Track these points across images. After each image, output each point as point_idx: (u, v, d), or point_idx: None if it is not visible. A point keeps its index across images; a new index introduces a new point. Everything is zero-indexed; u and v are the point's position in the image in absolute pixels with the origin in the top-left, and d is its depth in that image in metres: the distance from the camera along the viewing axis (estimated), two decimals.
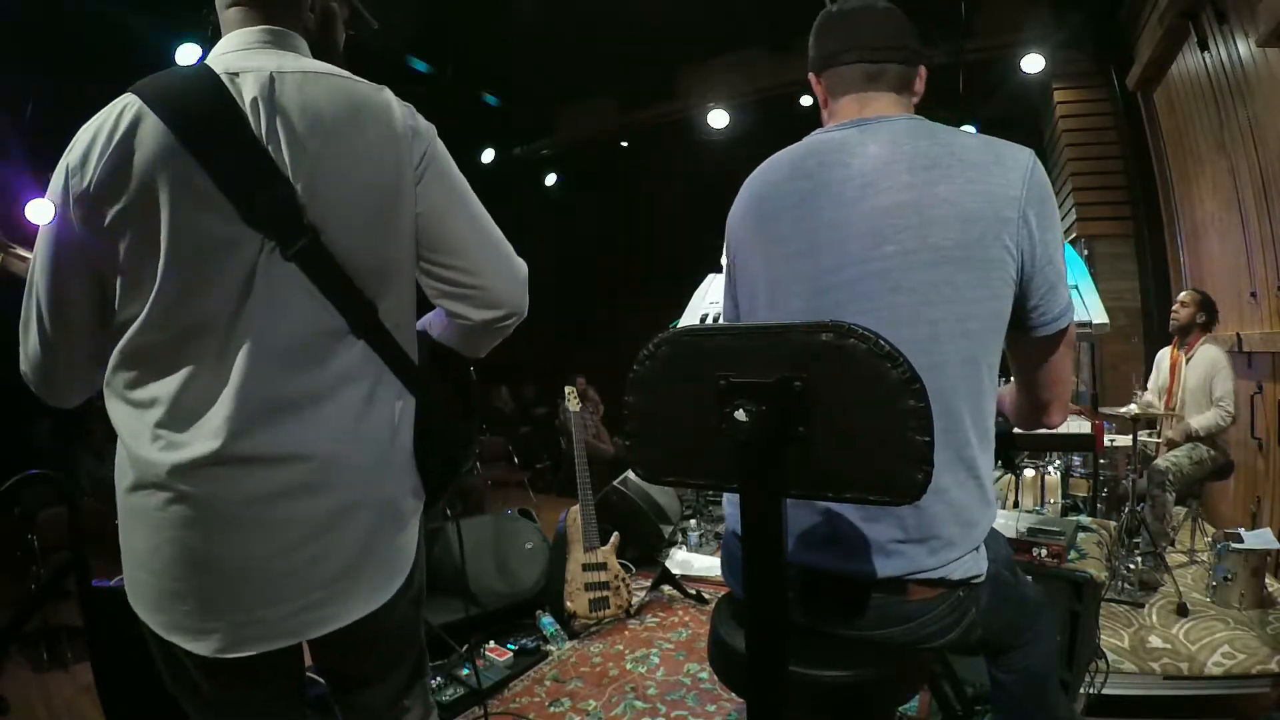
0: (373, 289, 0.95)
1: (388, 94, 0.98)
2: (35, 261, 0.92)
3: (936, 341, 0.95)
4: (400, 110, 0.97)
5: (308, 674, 1.10)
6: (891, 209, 0.97)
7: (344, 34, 1.09)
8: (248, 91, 0.88)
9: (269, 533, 0.90)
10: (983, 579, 1.03)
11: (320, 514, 0.92)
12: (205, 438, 0.87)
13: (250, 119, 0.88)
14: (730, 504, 1.14)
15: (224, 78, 0.89)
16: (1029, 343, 1.04)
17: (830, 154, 1.05)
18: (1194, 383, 3.41)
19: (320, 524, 0.92)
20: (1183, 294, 3.62)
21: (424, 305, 1.10)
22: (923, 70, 1.14)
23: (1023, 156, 0.99)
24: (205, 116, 0.87)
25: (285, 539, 0.90)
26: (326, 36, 1.05)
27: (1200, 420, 3.30)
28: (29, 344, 0.95)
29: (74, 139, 0.88)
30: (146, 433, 0.89)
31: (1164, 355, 3.74)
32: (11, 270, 1.20)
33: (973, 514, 1.00)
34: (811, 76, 1.17)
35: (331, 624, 0.94)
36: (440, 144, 1.01)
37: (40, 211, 0.91)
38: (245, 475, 0.88)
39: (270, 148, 0.88)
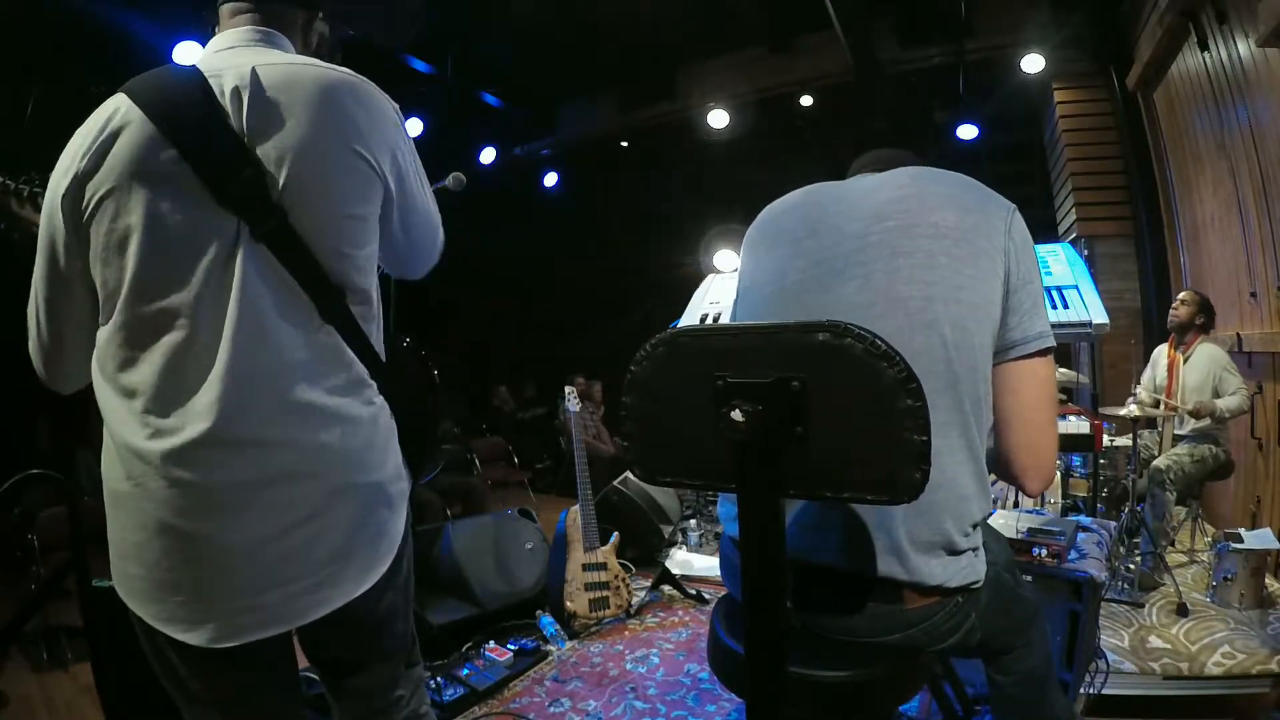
0: (338, 273, 0.97)
1: (358, 79, 1.01)
2: (38, 256, 0.96)
3: (930, 301, 0.98)
4: (364, 92, 1.00)
5: (304, 673, 1.10)
6: (892, 198, 1.06)
7: (328, 50, 1.13)
8: (227, 83, 0.93)
9: (262, 516, 0.91)
10: (981, 584, 1.03)
11: (311, 498, 0.94)
12: (194, 421, 0.89)
13: (228, 109, 0.92)
14: (726, 511, 1.14)
15: (206, 73, 0.93)
16: (1007, 370, 1.01)
17: (843, 183, 1.19)
18: (1194, 381, 3.39)
19: (312, 508, 0.94)
20: (1183, 293, 3.59)
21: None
22: None
23: (1006, 200, 1.07)
24: (184, 107, 0.91)
25: (278, 523, 0.92)
26: (317, 55, 1.09)
27: (1226, 402, 3.23)
28: (31, 329, 1.00)
29: (74, 137, 0.93)
30: (134, 420, 0.91)
31: (1160, 353, 3.73)
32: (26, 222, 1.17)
33: (964, 487, 0.98)
34: None
35: (323, 608, 0.96)
36: (401, 130, 1.04)
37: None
38: (236, 459, 0.90)
39: (244, 133, 0.92)
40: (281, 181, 0.92)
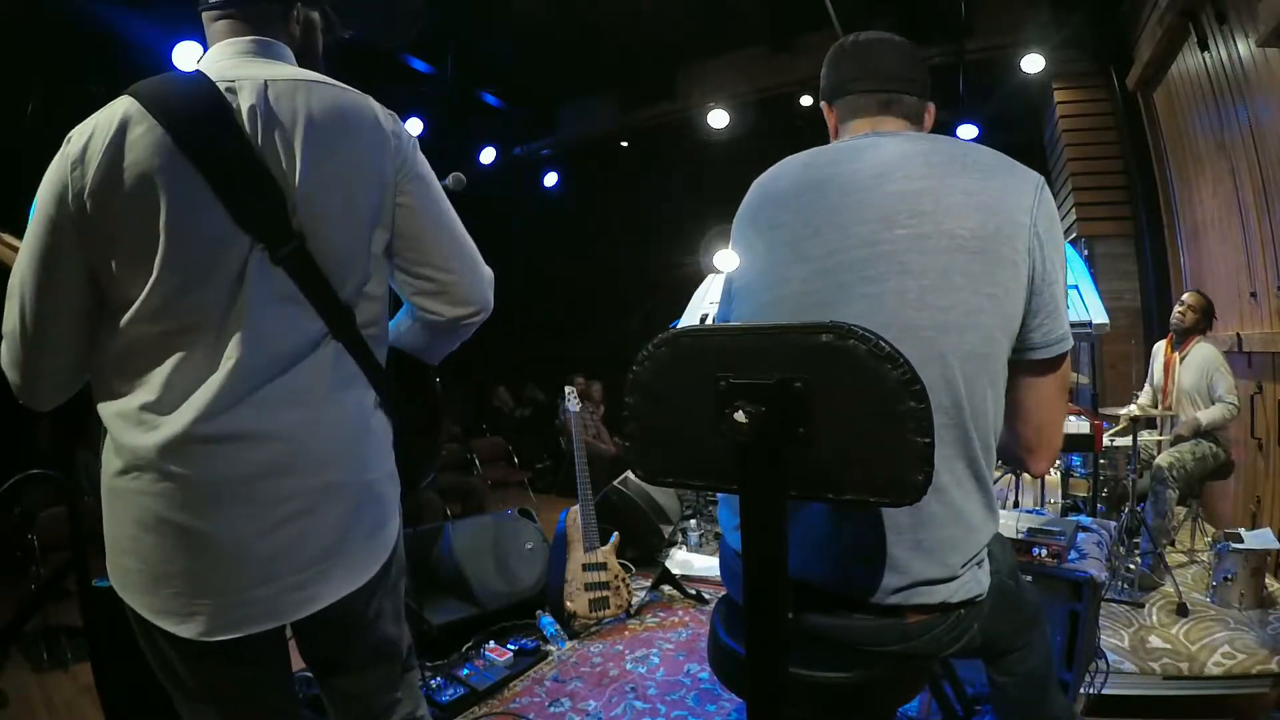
0: (350, 295, 0.99)
1: (373, 102, 1.02)
2: (24, 253, 0.92)
3: (943, 330, 0.92)
4: (384, 117, 1.01)
5: (302, 674, 1.10)
6: (905, 194, 0.96)
7: (322, 42, 1.12)
8: (244, 99, 0.92)
9: (253, 511, 0.92)
10: (985, 596, 1.01)
11: (303, 494, 0.94)
12: (186, 415, 0.89)
13: (246, 125, 0.91)
14: (726, 520, 1.13)
15: (219, 84, 0.92)
16: (1024, 368, 1.00)
17: (843, 153, 1.05)
18: (1189, 382, 3.40)
19: (303, 505, 0.94)
20: (1187, 295, 3.57)
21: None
22: (931, 107, 1.13)
23: (1034, 174, 0.98)
24: (201, 120, 0.90)
25: (269, 518, 0.93)
26: (308, 46, 1.09)
27: (1207, 414, 3.26)
28: (9, 331, 0.95)
29: (70, 135, 0.91)
30: (132, 416, 0.91)
31: (1159, 350, 3.73)
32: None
33: (973, 517, 0.97)
34: (824, 105, 1.17)
35: (314, 604, 0.96)
36: (420, 153, 1.05)
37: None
38: (227, 454, 0.90)
39: (263, 154, 0.91)
40: (301, 207, 0.93)
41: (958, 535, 0.96)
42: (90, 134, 0.89)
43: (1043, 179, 0.98)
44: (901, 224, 0.94)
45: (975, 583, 0.99)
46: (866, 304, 0.95)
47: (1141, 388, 3.88)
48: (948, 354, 0.92)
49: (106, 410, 0.94)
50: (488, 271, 1.13)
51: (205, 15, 1.01)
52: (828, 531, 0.99)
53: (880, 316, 0.92)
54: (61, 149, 0.90)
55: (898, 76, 1.09)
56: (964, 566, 0.97)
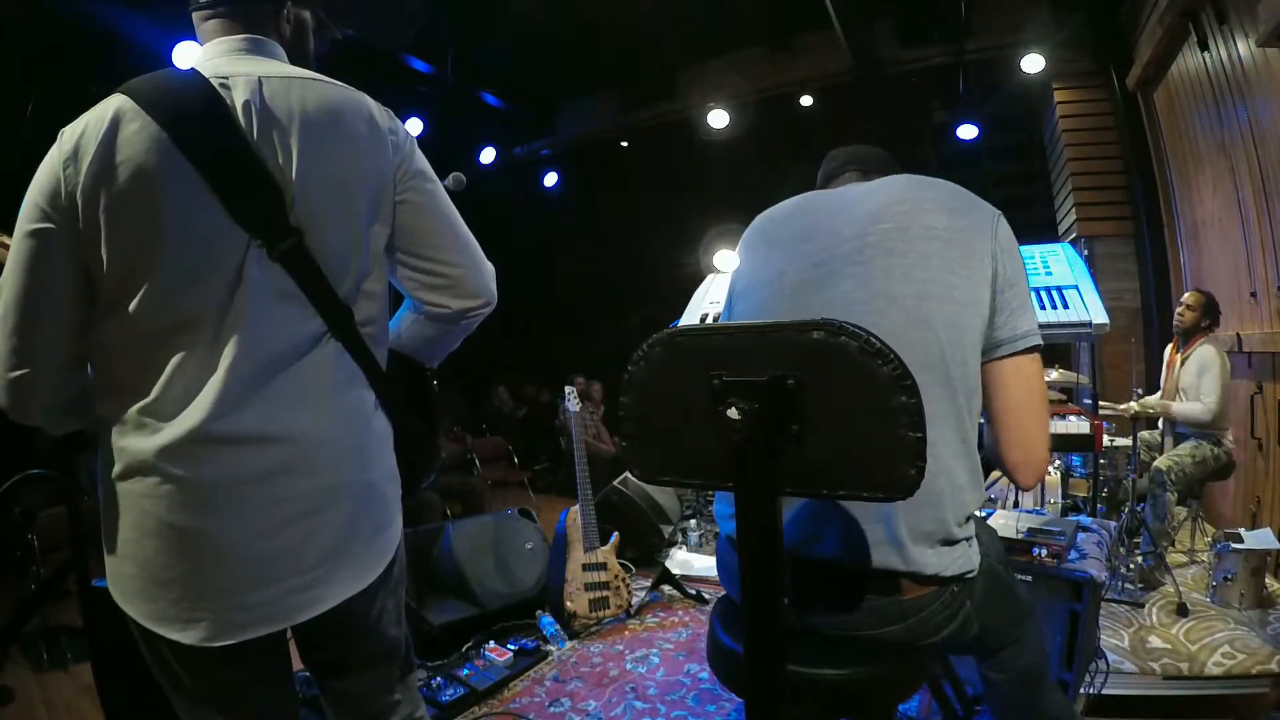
0: (349, 293, 0.98)
1: (368, 99, 1.02)
2: (15, 250, 0.90)
3: (925, 298, 1.01)
4: (380, 114, 1.01)
5: (301, 674, 1.10)
6: (887, 203, 1.10)
7: (314, 43, 1.12)
8: (238, 95, 0.92)
9: (255, 513, 0.91)
10: (975, 573, 1.04)
11: (305, 495, 0.94)
12: (188, 418, 0.89)
13: (241, 121, 0.91)
14: (722, 510, 1.15)
15: (213, 81, 0.92)
16: (994, 368, 1.03)
17: (833, 191, 1.23)
18: (1186, 381, 3.40)
19: (306, 506, 0.94)
20: (1187, 295, 3.56)
21: None
22: None
23: (991, 207, 1.11)
24: (196, 117, 0.89)
25: (271, 519, 0.92)
26: (299, 45, 1.09)
27: (1180, 407, 3.32)
28: None
29: (63, 134, 0.90)
30: (132, 419, 0.90)
31: (1168, 354, 3.73)
32: None
33: (959, 477, 1.00)
34: None
35: (317, 607, 0.96)
36: (418, 149, 1.06)
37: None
38: (229, 455, 0.90)
39: (259, 150, 0.91)
40: (298, 204, 0.93)
41: (946, 490, 1.00)
42: (82, 131, 0.88)
43: (1000, 213, 1.10)
44: (886, 219, 1.07)
45: (966, 559, 1.03)
46: (856, 281, 1.05)
47: (1141, 387, 3.87)
48: (930, 317, 1.00)
49: (105, 413, 0.93)
50: (490, 265, 1.14)
51: (196, 15, 1.01)
52: (824, 510, 1.02)
53: (868, 290, 1.04)
54: (54, 146, 0.90)
55: (879, 165, 1.30)
56: (958, 527, 1.01)
